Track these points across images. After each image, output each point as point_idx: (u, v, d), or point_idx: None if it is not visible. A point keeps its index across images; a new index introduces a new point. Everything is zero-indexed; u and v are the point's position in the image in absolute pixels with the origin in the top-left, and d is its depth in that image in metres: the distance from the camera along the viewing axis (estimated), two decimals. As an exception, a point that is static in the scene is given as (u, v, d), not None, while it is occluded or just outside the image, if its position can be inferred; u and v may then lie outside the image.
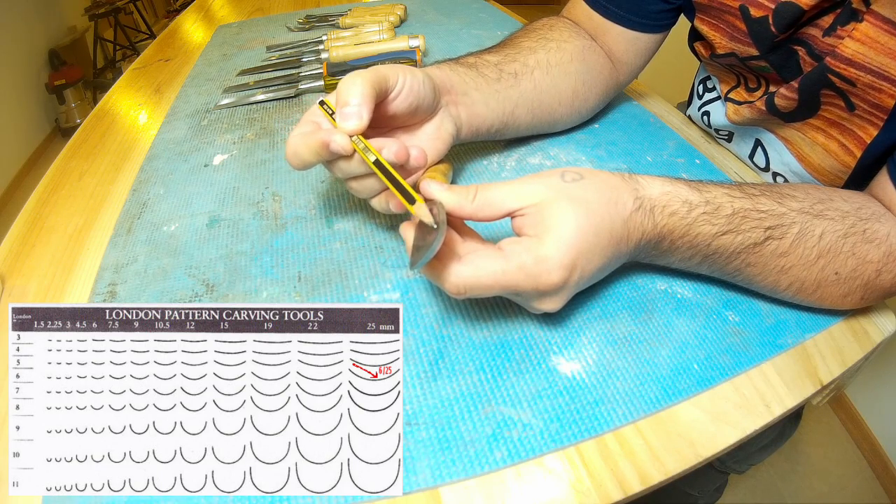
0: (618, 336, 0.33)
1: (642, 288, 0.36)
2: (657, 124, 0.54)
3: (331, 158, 0.33)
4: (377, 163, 0.32)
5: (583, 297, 0.35)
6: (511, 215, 0.30)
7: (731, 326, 0.34)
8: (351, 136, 0.32)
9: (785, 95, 0.40)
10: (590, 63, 0.48)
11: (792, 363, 0.33)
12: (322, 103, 0.36)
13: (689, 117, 0.57)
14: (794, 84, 0.39)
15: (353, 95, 0.32)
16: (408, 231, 0.31)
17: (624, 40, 0.49)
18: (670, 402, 0.30)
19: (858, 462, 1.09)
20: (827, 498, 1.04)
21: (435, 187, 0.31)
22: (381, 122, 0.37)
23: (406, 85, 0.35)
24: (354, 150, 0.33)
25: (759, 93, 0.46)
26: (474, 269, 0.28)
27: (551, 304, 0.30)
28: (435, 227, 0.27)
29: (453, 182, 0.43)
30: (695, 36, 0.49)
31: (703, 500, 0.88)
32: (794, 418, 0.64)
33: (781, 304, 0.36)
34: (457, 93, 0.40)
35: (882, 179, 0.35)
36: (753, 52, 0.41)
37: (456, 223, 0.32)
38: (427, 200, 0.30)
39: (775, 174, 0.48)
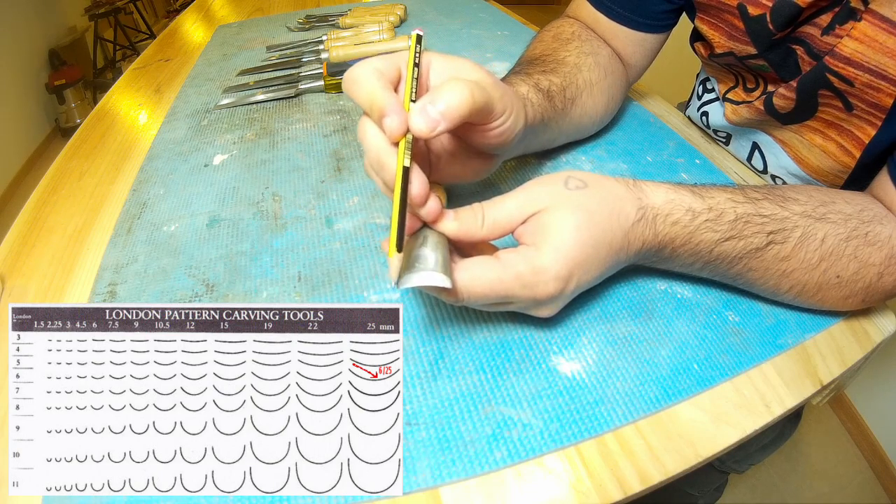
0: (618, 336, 0.33)
1: (642, 288, 0.36)
2: (657, 124, 0.54)
3: (377, 122, 0.28)
4: (404, 172, 0.27)
5: (583, 297, 0.35)
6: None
7: (731, 326, 0.34)
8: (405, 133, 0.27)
9: (783, 95, 0.40)
10: (616, 74, 0.48)
11: (792, 363, 0.33)
12: (419, 39, 0.31)
13: (689, 118, 0.57)
14: (793, 84, 0.39)
15: (450, 103, 0.26)
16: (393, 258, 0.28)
17: (632, 43, 0.49)
18: (670, 402, 0.30)
19: (858, 462, 1.09)
20: (827, 498, 1.04)
21: (440, 219, 0.29)
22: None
23: (505, 126, 0.31)
24: (397, 144, 0.28)
25: (757, 93, 0.46)
26: (470, 276, 0.27)
27: (545, 312, 0.31)
28: (448, 287, 0.26)
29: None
30: (696, 36, 0.49)
31: (703, 499, 0.88)
32: (794, 418, 0.64)
33: (781, 305, 0.36)
34: (531, 134, 0.38)
35: (883, 180, 0.35)
36: (751, 50, 0.41)
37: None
38: (433, 228, 0.29)
39: (773, 177, 0.48)
